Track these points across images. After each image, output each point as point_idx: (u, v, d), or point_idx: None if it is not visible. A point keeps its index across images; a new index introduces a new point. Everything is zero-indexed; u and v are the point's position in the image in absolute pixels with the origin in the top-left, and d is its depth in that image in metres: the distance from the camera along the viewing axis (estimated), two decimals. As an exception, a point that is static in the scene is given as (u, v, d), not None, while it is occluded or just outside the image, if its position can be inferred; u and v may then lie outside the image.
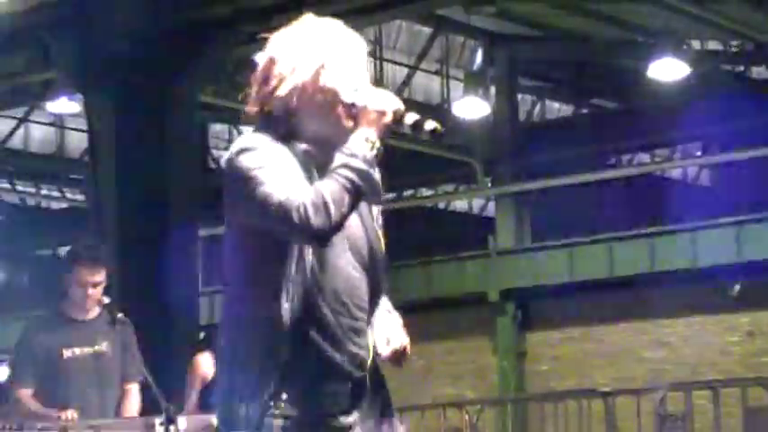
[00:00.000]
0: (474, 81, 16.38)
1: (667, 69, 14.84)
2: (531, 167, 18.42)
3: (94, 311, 6.01)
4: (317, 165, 2.78)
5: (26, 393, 5.97)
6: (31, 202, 23.41)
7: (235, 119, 19.82)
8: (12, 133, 20.08)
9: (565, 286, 17.31)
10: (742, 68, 19.12)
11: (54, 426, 5.60)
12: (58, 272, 6.16)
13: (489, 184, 18.99)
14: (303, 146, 2.79)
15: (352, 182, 2.68)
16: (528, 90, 20.17)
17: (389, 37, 18.31)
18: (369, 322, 2.93)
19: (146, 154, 10.29)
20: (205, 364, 6.52)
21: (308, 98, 2.79)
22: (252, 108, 2.87)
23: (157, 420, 5.65)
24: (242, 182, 2.71)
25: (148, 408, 5.89)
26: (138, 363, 6.04)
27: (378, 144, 2.75)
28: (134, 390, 6.11)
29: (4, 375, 6.12)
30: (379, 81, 17.84)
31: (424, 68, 18.78)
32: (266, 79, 2.85)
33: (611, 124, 18.70)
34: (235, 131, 21.88)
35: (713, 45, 17.74)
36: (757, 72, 19.08)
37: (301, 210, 2.64)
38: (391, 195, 22.06)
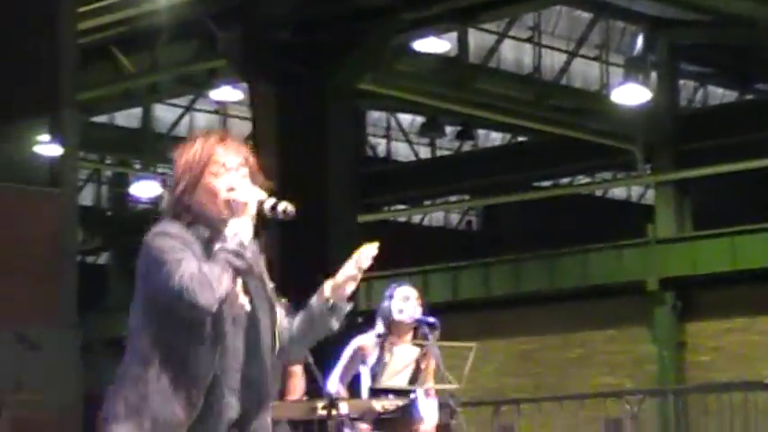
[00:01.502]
0: (634, 67, 16.14)
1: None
2: (692, 154, 18.06)
3: None
4: (214, 246, 3.47)
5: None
6: (194, 188, 23.95)
7: (392, 107, 19.96)
8: (177, 121, 20.62)
9: (727, 275, 16.95)
10: None
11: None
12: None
13: (649, 172, 18.70)
14: (204, 231, 3.50)
15: (228, 262, 3.37)
16: (690, 75, 19.79)
17: (548, 23, 18.17)
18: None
19: (306, 141, 10.45)
20: (365, 341, 6.52)
21: (197, 195, 3.52)
22: (164, 206, 3.59)
23: (319, 404, 5.76)
24: (153, 260, 3.41)
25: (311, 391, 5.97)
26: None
27: (251, 226, 3.45)
28: (297, 371, 6.18)
29: None
30: (537, 68, 17.73)
31: (584, 54, 18.58)
32: (174, 181, 3.61)
33: (776, 110, 18.20)
34: (392, 119, 22.03)
35: None
36: None
37: (190, 288, 3.31)
38: (549, 183, 21.92)
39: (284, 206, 3.45)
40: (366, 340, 6.44)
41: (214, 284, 3.34)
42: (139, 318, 3.49)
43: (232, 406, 3.43)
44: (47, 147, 10.51)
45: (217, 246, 3.43)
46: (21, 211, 9.59)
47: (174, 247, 3.41)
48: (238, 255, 3.39)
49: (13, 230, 9.29)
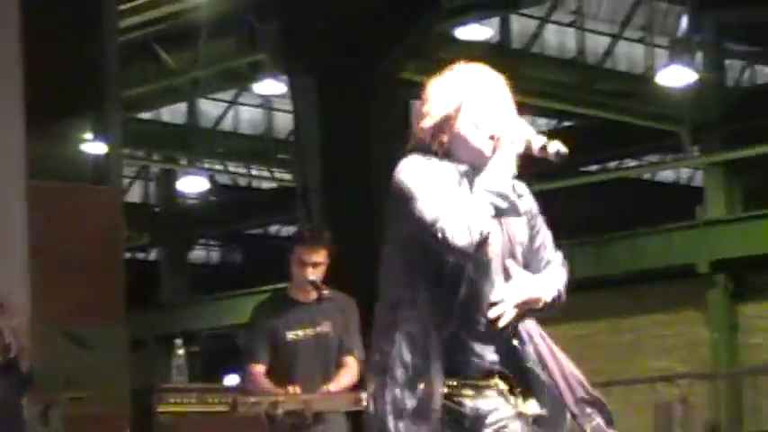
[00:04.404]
0: (679, 48, 15.99)
1: None
2: (740, 134, 17.87)
3: (317, 293, 6.07)
4: (472, 184, 3.23)
5: (258, 370, 6.13)
6: (241, 182, 24.09)
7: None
8: (222, 116, 20.69)
9: (779, 256, 16.77)
10: None
11: (266, 399, 5.76)
12: (268, 251, 6.28)
13: (697, 153, 18.52)
14: (462, 166, 3.24)
15: (491, 203, 3.12)
16: (736, 55, 19.55)
17: (590, 6, 18.04)
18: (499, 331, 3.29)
19: (350, 133, 10.44)
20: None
21: (453, 130, 3.26)
22: (411, 143, 3.34)
23: (364, 395, 5.74)
24: (403, 197, 3.16)
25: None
26: (356, 337, 6.10)
27: (513, 168, 3.21)
28: (350, 362, 6.14)
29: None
30: (581, 52, 17.59)
31: (628, 36, 18.43)
32: (419, 117, 3.33)
33: (825, 87, 17.97)
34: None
35: None
36: None
37: (447, 232, 3.07)
38: (596, 167, 21.78)
39: (556, 147, 3.22)
40: None
41: (473, 228, 3.08)
42: (391, 264, 3.26)
43: (480, 356, 3.22)
44: (92, 144, 10.59)
45: (477, 182, 3.17)
46: (67, 210, 9.67)
47: (426, 180, 3.15)
48: (502, 195, 3.16)
49: (60, 228, 9.37)
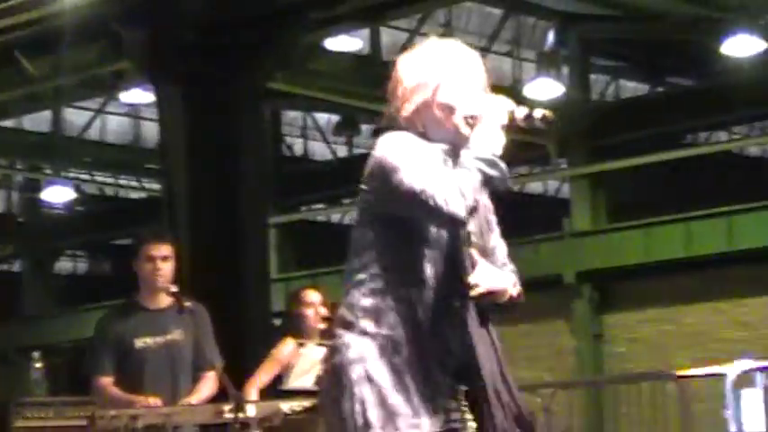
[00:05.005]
0: (546, 62, 16.25)
1: (743, 45, 14.60)
2: (605, 148, 18.23)
3: (167, 300, 6.01)
4: (455, 163, 3.18)
5: (107, 381, 6.03)
6: (109, 192, 23.73)
7: (307, 106, 19.88)
8: (88, 124, 20.35)
9: (642, 267, 17.14)
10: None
11: (126, 412, 5.66)
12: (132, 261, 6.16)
13: (564, 166, 18.83)
14: (441, 146, 3.18)
15: (481, 171, 3.09)
16: (601, 70, 19.97)
17: (460, 19, 18.23)
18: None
19: (216, 143, 10.35)
20: (288, 350, 6.48)
21: (430, 113, 3.20)
22: (385, 121, 3.28)
23: (226, 407, 5.69)
24: (388, 174, 3.08)
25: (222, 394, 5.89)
26: (213, 349, 6.05)
27: (501, 139, 3.16)
28: (208, 376, 6.09)
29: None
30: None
31: (496, 50, 18.67)
32: (393, 98, 3.28)
33: (686, 102, 18.44)
34: (308, 119, 21.96)
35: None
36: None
37: (438, 198, 3.00)
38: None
39: (541, 113, 3.18)
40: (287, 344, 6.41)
41: (465, 194, 3.05)
42: (368, 235, 3.17)
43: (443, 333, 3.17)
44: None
45: (464, 153, 3.13)
46: None
47: (410, 152, 3.10)
48: (490, 162, 3.12)
49: None
